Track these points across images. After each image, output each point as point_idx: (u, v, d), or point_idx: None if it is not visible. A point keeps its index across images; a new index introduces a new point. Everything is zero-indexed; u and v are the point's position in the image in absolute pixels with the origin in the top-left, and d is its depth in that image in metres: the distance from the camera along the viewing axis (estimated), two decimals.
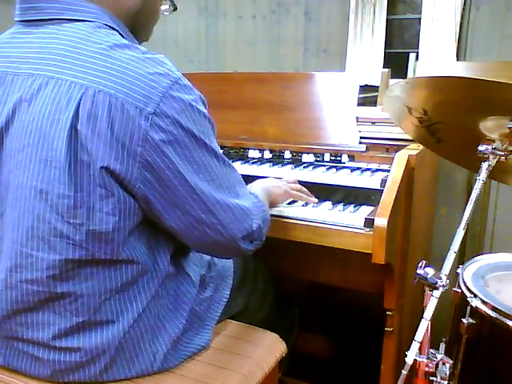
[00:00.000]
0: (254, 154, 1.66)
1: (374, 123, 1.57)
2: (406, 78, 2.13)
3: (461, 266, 1.19)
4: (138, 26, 0.98)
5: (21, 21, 0.91)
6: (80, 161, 0.81)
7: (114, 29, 0.90)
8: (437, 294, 0.91)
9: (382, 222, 1.16)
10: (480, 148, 1.01)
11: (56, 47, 0.85)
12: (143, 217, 0.89)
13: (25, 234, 0.85)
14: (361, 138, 1.54)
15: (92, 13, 0.88)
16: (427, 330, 0.92)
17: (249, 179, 1.41)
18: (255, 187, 1.20)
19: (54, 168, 0.82)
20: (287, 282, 1.67)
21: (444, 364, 0.96)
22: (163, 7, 1.07)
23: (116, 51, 0.83)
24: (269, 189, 1.23)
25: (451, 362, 0.96)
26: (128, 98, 0.80)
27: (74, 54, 0.84)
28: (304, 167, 1.52)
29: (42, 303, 0.88)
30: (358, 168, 1.47)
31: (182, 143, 0.85)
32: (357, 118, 1.56)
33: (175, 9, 1.10)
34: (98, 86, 0.80)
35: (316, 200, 1.35)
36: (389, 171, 1.30)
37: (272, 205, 1.25)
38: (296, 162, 1.58)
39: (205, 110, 0.90)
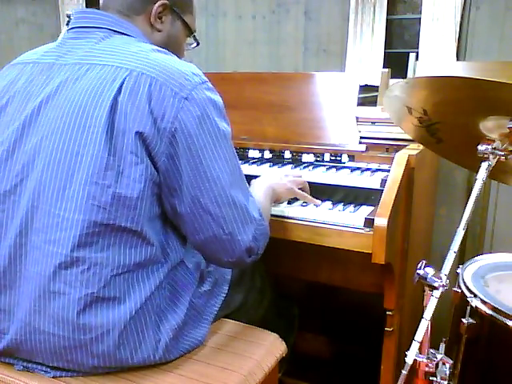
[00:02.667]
0: (254, 153, 1.66)
1: (373, 123, 1.57)
2: (405, 78, 2.13)
3: (461, 266, 1.19)
4: None
5: (73, 27, 1.03)
6: (117, 129, 0.90)
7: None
8: (437, 293, 0.91)
9: (381, 221, 1.16)
10: (480, 148, 1.00)
11: (103, 46, 0.97)
12: (162, 203, 0.96)
13: (55, 195, 0.91)
14: (361, 137, 1.54)
15: (136, 32, 1.04)
16: (427, 329, 0.92)
17: (249, 179, 1.41)
18: (258, 185, 1.21)
19: (92, 133, 0.90)
20: (287, 281, 1.67)
21: (444, 364, 0.96)
22: (188, 42, 1.20)
23: (157, 53, 0.97)
24: (272, 187, 1.25)
25: (451, 361, 0.96)
26: (166, 83, 0.91)
27: (120, 50, 0.96)
28: (304, 167, 1.52)
29: (56, 270, 0.90)
30: (358, 168, 1.47)
31: (206, 130, 0.94)
32: (357, 118, 1.56)
33: (198, 44, 1.23)
34: (142, 70, 0.92)
35: (319, 202, 1.35)
36: (389, 171, 1.30)
37: (275, 202, 1.27)
38: (296, 161, 1.58)
39: (225, 113, 1.00)
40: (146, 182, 0.91)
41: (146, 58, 0.94)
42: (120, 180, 0.89)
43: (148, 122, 0.89)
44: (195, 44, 1.23)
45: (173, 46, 1.12)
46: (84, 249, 0.90)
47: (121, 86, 0.90)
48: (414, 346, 0.91)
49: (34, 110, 0.95)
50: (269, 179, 1.27)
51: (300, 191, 1.33)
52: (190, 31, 1.17)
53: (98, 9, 1.06)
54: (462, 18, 2.48)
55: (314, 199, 1.35)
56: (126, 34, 1.01)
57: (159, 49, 1.00)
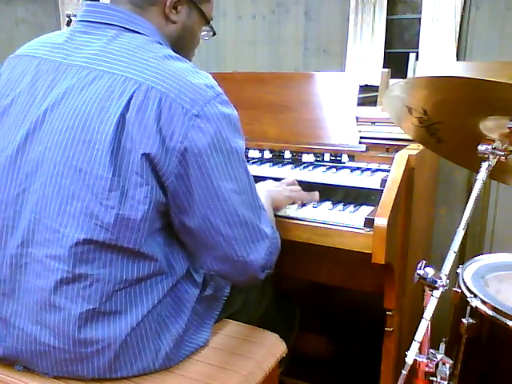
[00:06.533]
0: (253, 153, 1.66)
1: (374, 123, 1.57)
2: (405, 77, 2.13)
3: (461, 266, 1.19)
4: (178, 49, 1.04)
5: (82, 20, 0.99)
6: (123, 147, 0.86)
7: (164, 46, 0.99)
8: (437, 294, 0.91)
9: (381, 221, 1.16)
10: (480, 148, 1.00)
11: (114, 48, 0.93)
12: (166, 217, 0.93)
13: (56, 210, 0.88)
14: (361, 137, 1.54)
15: (150, 29, 0.98)
16: (427, 329, 0.92)
17: None
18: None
19: (97, 150, 0.86)
20: (287, 282, 1.67)
21: (444, 364, 0.95)
22: (203, 32, 1.14)
23: (169, 60, 0.92)
24: (271, 195, 1.24)
25: (451, 361, 0.96)
26: (177, 99, 0.87)
27: (131, 56, 0.91)
28: (304, 167, 1.52)
29: (57, 285, 0.89)
30: (358, 168, 1.47)
31: (219, 148, 0.90)
32: (357, 118, 1.55)
33: (214, 34, 1.17)
34: (151, 84, 0.87)
35: (317, 197, 1.35)
36: (389, 171, 1.30)
37: (274, 211, 1.26)
38: (296, 161, 1.58)
39: (240, 128, 0.96)
40: (151, 203, 0.88)
41: (157, 67, 0.89)
42: (124, 201, 0.87)
43: (156, 143, 0.85)
44: (211, 34, 1.16)
45: (188, 38, 1.08)
46: (86, 265, 0.88)
47: (129, 101, 0.86)
48: (414, 346, 0.91)
49: (38, 118, 0.91)
50: (267, 188, 1.26)
51: (297, 194, 1.33)
52: (206, 20, 1.11)
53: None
54: (461, 18, 2.49)
55: (312, 197, 1.35)
56: (137, 32, 0.96)
57: (172, 54, 0.94)
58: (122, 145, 0.86)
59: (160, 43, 0.98)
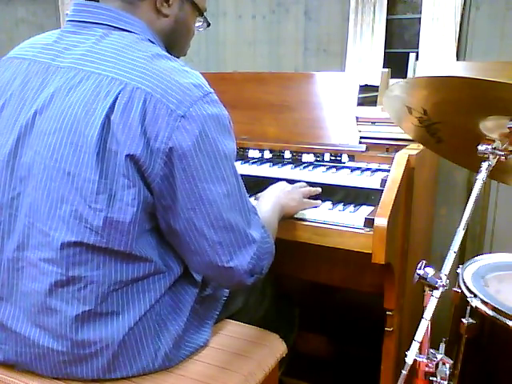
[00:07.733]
0: (253, 153, 1.66)
1: (374, 123, 1.57)
2: (405, 77, 2.13)
3: (461, 266, 1.19)
4: (172, 43, 1.05)
5: (72, 20, 0.98)
6: (109, 149, 0.85)
7: (154, 44, 0.98)
8: (437, 293, 0.91)
9: (381, 221, 1.16)
10: (480, 148, 1.00)
11: (101, 48, 0.91)
12: (156, 218, 0.92)
13: (46, 213, 0.88)
14: (361, 137, 1.54)
15: (139, 27, 0.96)
16: (427, 329, 0.92)
17: (249, 179, 1.41)
18: (265, 203, 1.17)
19: (84, 153, 0.86)
20: (287, 281, 1.67)
21: (444, 364, 0.95)
22: (197, 24, 1.12)
23: (158, 60, 0.90)
24: (281, 202, 1.21)
25: (451, 361, 0.96)
26: (162, 99, 0.85)
27: (119, 56, 0.90)
28: (304, 167, 1.52)
29: (52, 288, 0.89)
30: (358, 168, 1.47)
31: (204, 149, 0.88)
32: (357, 117, 1.55)
33: (209, 25, 1.15)
34: (137, 84, 0.86)
35: (319, 202, 1.34)
36: (389, 171, 1.30)
37: (285, 217, 1.24)
38: (296, 161, 1.58)
39: (230, 129, 0.94)
40: (140, 205, 0.87)
41: (144, 67, 0.88)
42: (112, 204, 0.86)
43: (140, 144, 0.84)
44: (206, 25, 1.14)
45: (181, 31, 1.06)
46: (79, 267, 0.88)
47: (114, 102, 0.85)
48: (414, 346, 0.91)
49: (28, 121, 0.91)
50: (276, 195, 1.23)
51: (310, 200, 1.32)
52: (200, 12, 1.08)
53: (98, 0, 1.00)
54: (462, 17, 2.49)
55: (318, 202, 1.34)
56: (127, 31, 0.94)
57: (160, 53, 0.92)
58: (107, 147, 0.85)
59: (151, 41, 0.97)
